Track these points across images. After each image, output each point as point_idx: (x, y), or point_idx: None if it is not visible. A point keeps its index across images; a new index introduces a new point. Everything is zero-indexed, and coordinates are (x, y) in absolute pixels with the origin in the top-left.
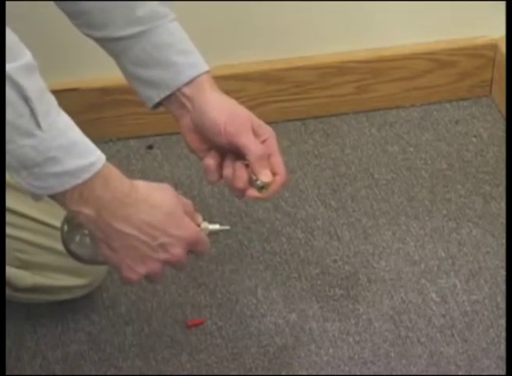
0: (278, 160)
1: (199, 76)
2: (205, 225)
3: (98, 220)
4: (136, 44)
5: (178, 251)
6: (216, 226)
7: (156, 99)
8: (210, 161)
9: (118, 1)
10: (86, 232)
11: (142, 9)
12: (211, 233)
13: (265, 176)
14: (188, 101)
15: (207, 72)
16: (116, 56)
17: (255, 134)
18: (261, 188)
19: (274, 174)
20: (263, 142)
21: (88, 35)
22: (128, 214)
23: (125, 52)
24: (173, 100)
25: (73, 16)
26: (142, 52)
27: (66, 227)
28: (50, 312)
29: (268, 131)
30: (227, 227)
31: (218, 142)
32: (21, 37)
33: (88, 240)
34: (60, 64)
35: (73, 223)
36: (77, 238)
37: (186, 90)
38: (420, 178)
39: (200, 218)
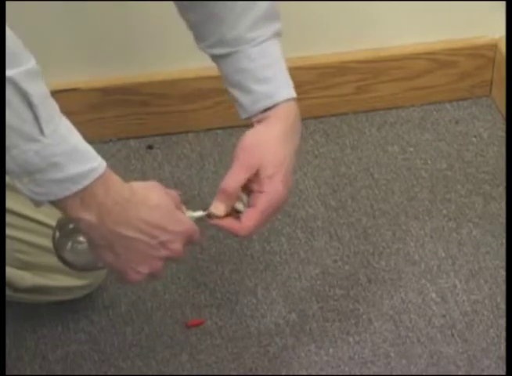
0: (253, 215)
1: (273, 106)
2: (189, 213)
3: (100, 226)
4: (223, 64)
5: (177, 246)
6: (200, 213)
7: (243, 116)
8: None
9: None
10: (79, 239)
11: (231, 32)
12: (197, 220)
13: (215, 208)
14: (256, 123)
15: (283, 100)
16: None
17: (260, 181)
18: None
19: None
20: (258, 192)
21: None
22: (129, 217)
23: (218, 66)
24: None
25: (188, 25)
26: (226, 72)
27: (57, 234)
28: (50, 312)
29: (272, 188)
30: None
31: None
32: (21, 37)
33: (80, 246)
34: (60, 64)
35: (65, 230)
36: (69, 245)
37: (259, 115)
38: (420, 178)
39: (183, 207)
